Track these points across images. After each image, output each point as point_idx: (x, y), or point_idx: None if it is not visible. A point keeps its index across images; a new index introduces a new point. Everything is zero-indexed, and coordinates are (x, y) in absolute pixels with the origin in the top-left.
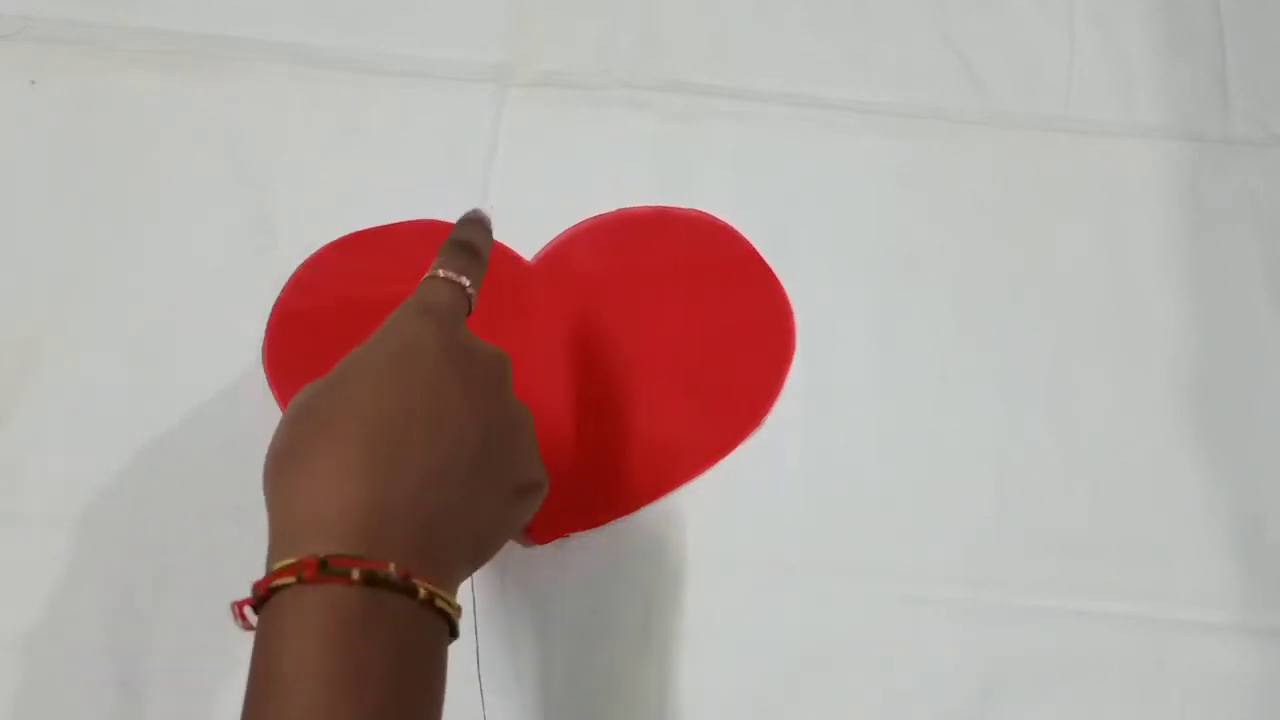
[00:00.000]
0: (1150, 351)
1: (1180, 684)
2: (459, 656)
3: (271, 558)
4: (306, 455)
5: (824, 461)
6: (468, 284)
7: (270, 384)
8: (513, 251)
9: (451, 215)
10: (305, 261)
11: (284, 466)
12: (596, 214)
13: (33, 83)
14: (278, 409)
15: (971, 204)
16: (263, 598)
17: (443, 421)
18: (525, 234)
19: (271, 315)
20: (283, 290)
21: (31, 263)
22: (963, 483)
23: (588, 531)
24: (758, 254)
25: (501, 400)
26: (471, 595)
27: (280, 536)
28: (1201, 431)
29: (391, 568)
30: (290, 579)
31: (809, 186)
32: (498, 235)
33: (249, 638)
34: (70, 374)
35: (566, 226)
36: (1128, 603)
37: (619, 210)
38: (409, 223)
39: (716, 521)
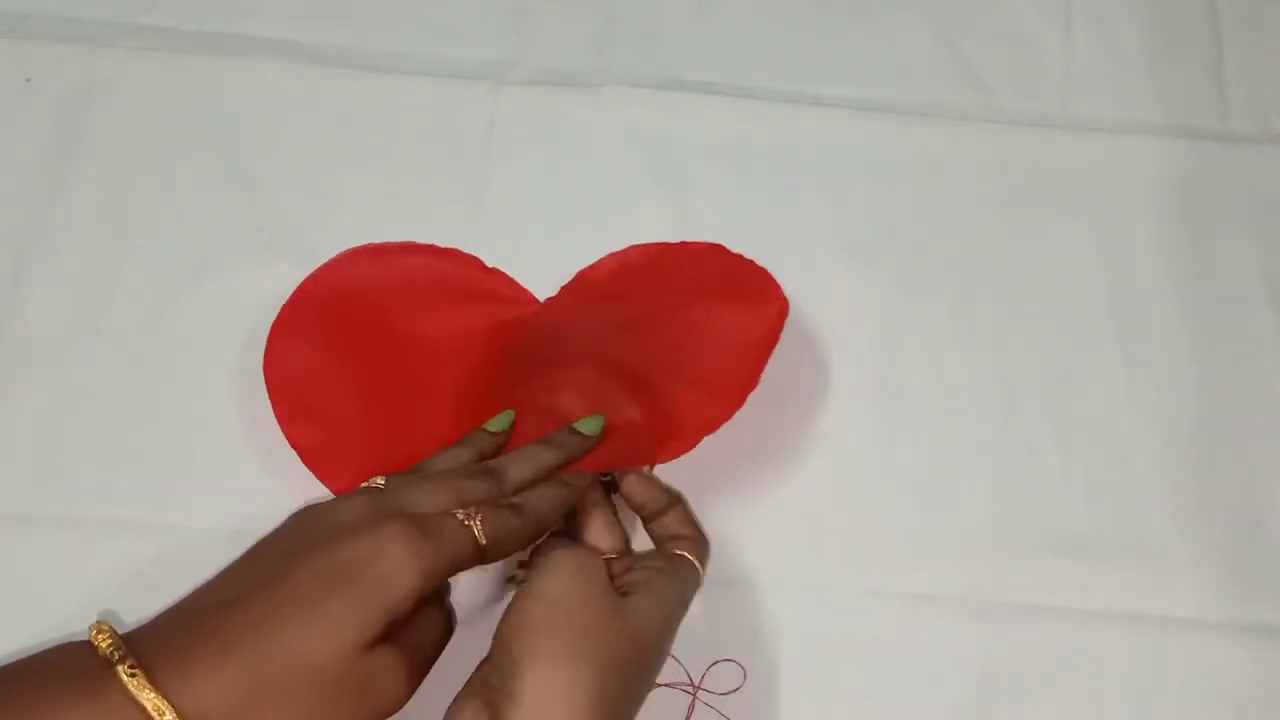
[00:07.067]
0: (1148, 348)
1: (1179, 683)
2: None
3: None
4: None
5: (823, 461)
6: None
7: (269, 390)
8: (529, 293)
9: (449, 212)
10: (319, 268)
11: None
12: (609, 251)
13: (28, 80)
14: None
15: (969, 202)
16: None
17: None
18: (522, 232)
19: (275, 321)
20: (291, 296)
21: (26, 261)
22: (962, 482)
23: None
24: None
25: None
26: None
27: None
28: (1200, 430)
29: None
30: None
31: (806, 184)
32: (494, 237)
33: None
34: (65, 372)
35: (560, 222)
36: (1127, 602)
37: (630, 248)
38: (427, 246)
39: (716, 521)
